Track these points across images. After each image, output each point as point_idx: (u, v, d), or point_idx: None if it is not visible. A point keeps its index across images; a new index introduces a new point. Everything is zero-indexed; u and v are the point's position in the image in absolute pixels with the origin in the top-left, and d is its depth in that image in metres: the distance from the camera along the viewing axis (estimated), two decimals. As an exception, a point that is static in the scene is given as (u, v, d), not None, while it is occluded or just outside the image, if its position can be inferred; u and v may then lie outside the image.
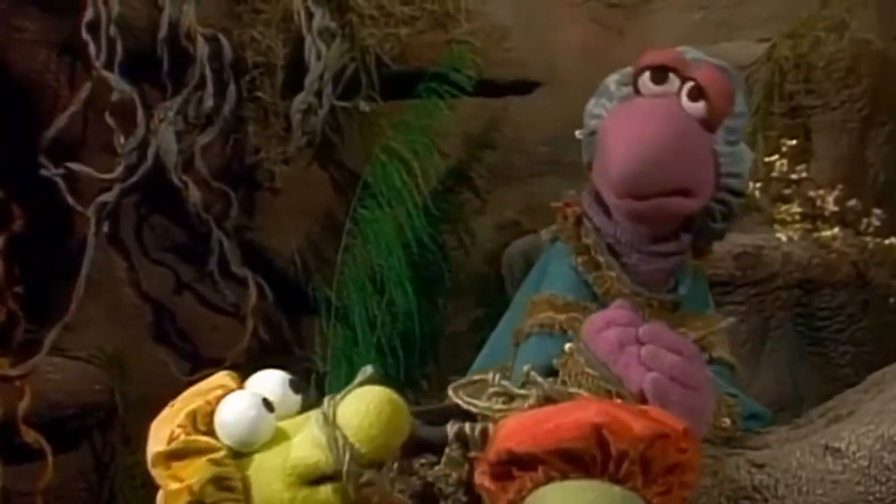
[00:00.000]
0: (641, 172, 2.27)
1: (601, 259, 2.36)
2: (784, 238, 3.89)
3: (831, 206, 3.94)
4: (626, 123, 2.32)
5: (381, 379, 1.95)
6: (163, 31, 4.02)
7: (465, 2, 4.37)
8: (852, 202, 3.98)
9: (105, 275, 4.13)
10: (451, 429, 2.03)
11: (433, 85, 4.26)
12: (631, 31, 4.42)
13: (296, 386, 1.95)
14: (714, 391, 2.17)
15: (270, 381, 1.95)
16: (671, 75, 2.34)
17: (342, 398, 1.88)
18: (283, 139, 4.23)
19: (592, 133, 2.43)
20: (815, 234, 3.90)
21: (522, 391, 2.05)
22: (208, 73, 4.06)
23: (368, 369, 1.94)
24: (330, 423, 1.84)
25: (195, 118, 4.12)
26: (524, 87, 4.40)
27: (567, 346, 2.15)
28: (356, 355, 4.14)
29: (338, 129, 4.32)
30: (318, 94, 4.20)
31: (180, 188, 4.07)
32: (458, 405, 2.08)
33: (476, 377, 2.19)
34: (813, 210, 3.96)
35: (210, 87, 4.07)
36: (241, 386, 1.99)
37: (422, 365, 4.21)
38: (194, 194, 4.09)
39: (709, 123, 2.31)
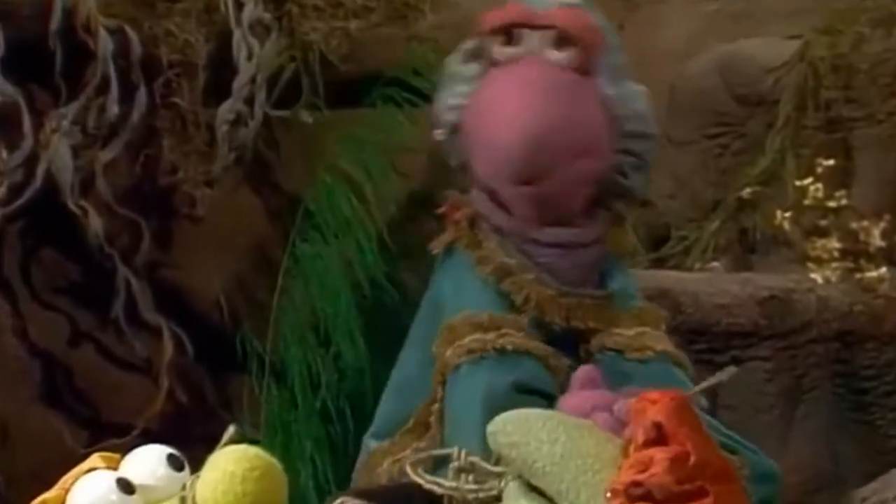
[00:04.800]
0: (533, 152, 2.34)
1: (512, 262, 2.40)
2: (820, 279, 3.89)
3: (877, 241, 3.94)
4: (499, 102, 2.40)
5: (248, 439, 1.98)
6: (55, 21, 3.99)
7: None
8: (904, 236, 3.97)
9: (-17, 321, 4.10)
10: (413, 513, 2.04)
11: (390, 91, 4.26)
12: (632, 24, 4.42)
13: (177, 463, 1.96)
14: None
15: (148, 459, 1.97)
16: (523, 31, 2.43)
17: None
18: (205, 156, 4.22)
19: (457, 128, 2.51)
20: (858, 275, 3.89)
21: (497, 468, 2.10)
22: (112, 73, 4.04)
23: (231, 429, 1.94)
24: None
25: (96, 129, 4.10)
26: (502, 94, 4.39)
27: None
28: (295, 422, 4.13)
29: (273, 145, 4.32)
30: (249, 102, 4.21)
31: (77, 215, 4.05)
32: (418, 484, 2.12)
33: (437, 451, 2.23)
34: (855, 245, 3.96)
35: (114, 91, 4.06)
36: (116, 467, 2.00)
37: (376, 434, 4.18)
38: (95, 223, 4.07)
39: (585, 68, 2.43)
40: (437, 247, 2.53)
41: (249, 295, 4.30)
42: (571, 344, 2.44)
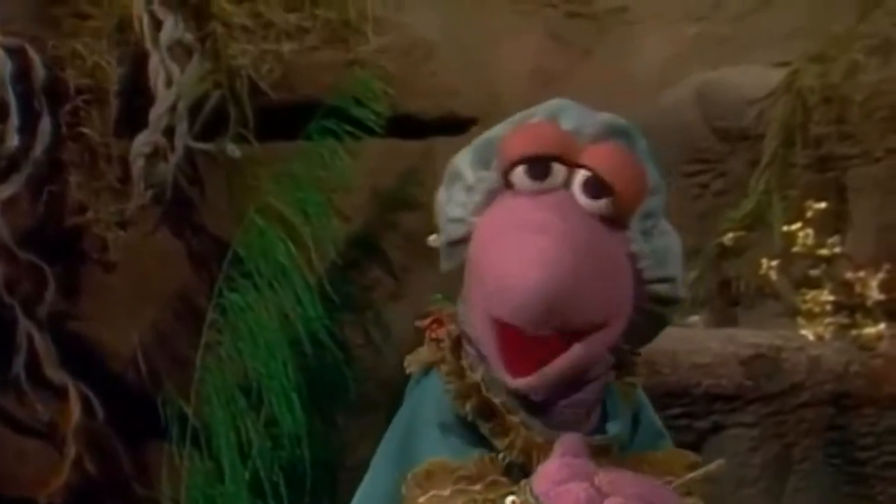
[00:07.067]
0: (545, 311, 2.19)
1: (496, 401, 2.25)
2: (811, 336, 3.86)
3: (875, 294, 3.90)
4: (512, 242, 2.26)
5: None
6: (-55, 40, 3.95)
7: (374, 7, 4.36)
8: (904, 288, 3.94)
9: None
10: None
11: (329, 122, 4.20)
12: (600, 49, 4.47)
13: None
14: None
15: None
16: (555, 165, 2.27)
17: None
18: (118, 193, 4.17)
19: (457, 242, 2.38)
20: (854, 332, 3.86)
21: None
22: (12, 99, 4.00)
23: None
24: None
25: (-7, 162, 4.03)
26: (454, 125, 4.40)
27: (509, 500, 2.13)
28: (222, 496, 4.08)
29: (196, 181, 4.26)
30: (169, 133, 4.14)
31: (-28, 259, 3.98)
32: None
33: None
34: (850, 298, 3.93)
35: (14, 120, 4.01)
36: None
37: (314, 508, 4.12)
38: (-8, 269, 4.00)
39: (618, 221, 2.26)
40: (413, 366, 2.40)
41: (170, 351, 4.24)
42: None
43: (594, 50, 4.45)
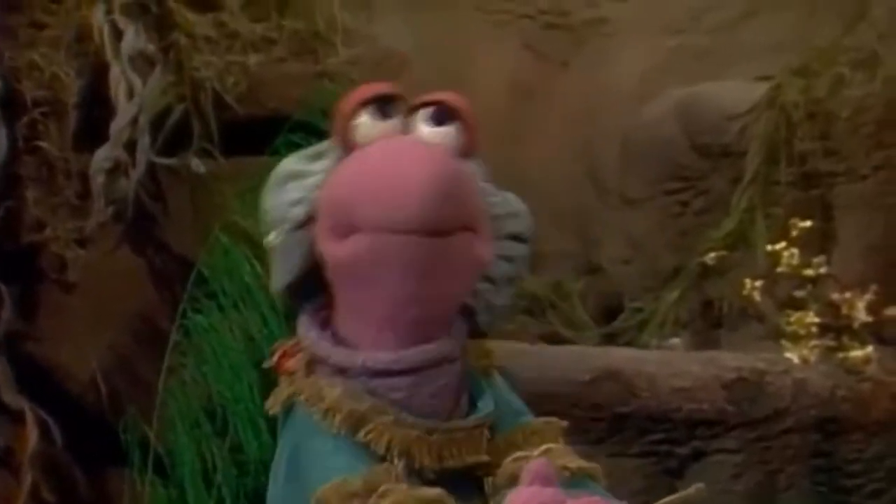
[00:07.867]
0: (444, 197, 2.28)
1: (363, 407, 2.31)
2: (796, 359, 3.83)
3: (862, 315, 3.90)
4: (390, 158, 2.34)
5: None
6: None
7: (344, 18, 4.34)
8: (892, 310, 3.94)
9: None
10: None
11: (296, 137, 4.06)
12: (578, 61, 4.44)
13: None
14: None
15: None
16: (397, 103, 2.41)
17: None
18: (77, 210, 4.12)
19: (302, 225, 2.45)
20: (841, 355, 3.84)
21: None
22: None
23: None
24: None
25: (-55, 177, 4.00)
26: (426, 140, 4.40)
27: None
28: None
29: (159, 198, 4.20)
30: (130, 147, 4.08)
31: (-76, 279, 3.96)
32: None
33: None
34: (836, 320, 3.91)
35: None
36: None
37: (282, 539, 4.05)
38: (-55, 288, 3.97)
39: (466, 150, 2.41)
40: (274, 407, 2.47)
41: (132, 374, 4.17)
42: (469, 483, 2.39)
43: (571, 62, 4.44)
